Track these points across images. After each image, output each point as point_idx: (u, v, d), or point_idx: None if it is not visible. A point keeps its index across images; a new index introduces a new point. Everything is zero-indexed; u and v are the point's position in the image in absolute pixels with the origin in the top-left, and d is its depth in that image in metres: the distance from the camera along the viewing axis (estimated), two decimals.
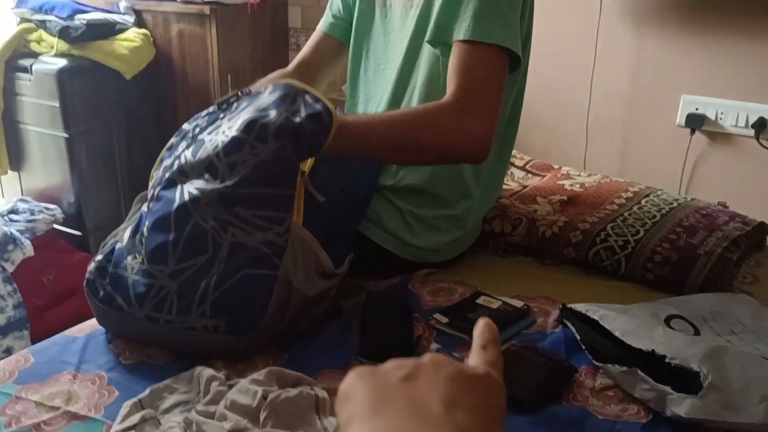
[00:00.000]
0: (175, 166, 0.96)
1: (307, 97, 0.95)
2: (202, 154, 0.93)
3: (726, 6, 1.89)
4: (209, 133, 0.96)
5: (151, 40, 2.34)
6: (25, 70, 2.21)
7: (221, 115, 1.00)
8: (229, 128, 0.94)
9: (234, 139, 0.91)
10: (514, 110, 1.25)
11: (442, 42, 1.08)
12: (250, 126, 0.91)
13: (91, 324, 1.02)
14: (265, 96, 0.97)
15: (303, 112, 0.92)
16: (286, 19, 2.50)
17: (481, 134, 1.01)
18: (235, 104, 1.00)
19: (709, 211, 1.32)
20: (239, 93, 1.02)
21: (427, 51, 1.15)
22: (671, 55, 2.00)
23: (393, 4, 1.23)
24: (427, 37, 1.10)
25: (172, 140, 1.02)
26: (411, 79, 1.19)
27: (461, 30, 1.03)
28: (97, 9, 2.32)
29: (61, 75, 2.14)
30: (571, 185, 1.47)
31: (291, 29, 2.49)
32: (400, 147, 1.02)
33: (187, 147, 0.97)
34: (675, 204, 1.35)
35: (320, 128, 0.93)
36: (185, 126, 1.03)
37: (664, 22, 1.99)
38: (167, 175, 0.96)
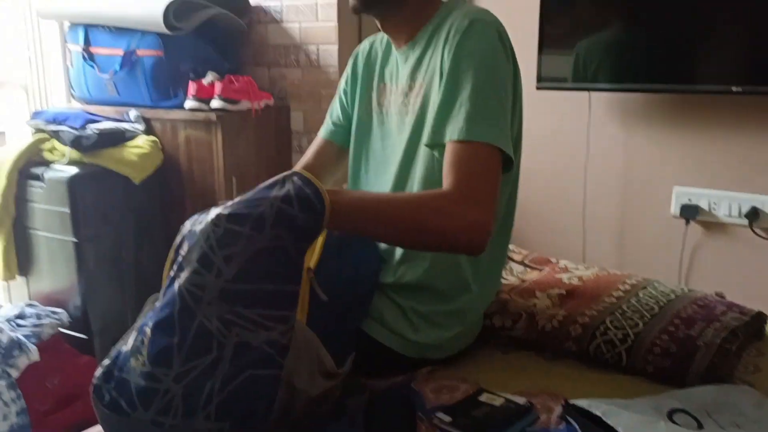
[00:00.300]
0: (176, 264, 0.95)
1: (296, 179, 0.95)
2: (194, 245, 0.92)
3: (710, 103, 1.98)
4: (201, 223, 0.96)
5: (160, 146, 2.43)
6: (37, 178, 2.28)
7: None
8: (219, 211, 0.93)
9: (228, 231, 0.90)
10: (509, 206, 1.29)
11: (438, 144, 1.13)
12: (243, 218, 0.90)
13: (96, 431, 1.01)
14: (256, 189, 0.97)
15: (295, 200, 0.92)
16: (289, 123, 2.60)
17: (480, 223, 1.03)
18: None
19: (706, 302, 1.34)
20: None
21: (423, 152, 1.20)
22: (660, 149, 2.07)
23: (389, 111, 1.30)
24: (425, 140, 1.16)
25: (176, 239, 1.01)
26: (409, 179, 1.24)
27: (455, 131, 1.08)
28: (108, 119, 2.42)
29: (73, 182, 2.21)
30: (569, 279, 1.49)
31: (294, 132, 2.59)
32: (402, 227, 1.03)
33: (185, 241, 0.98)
34: (672, 295, 1.37)
35: (313, 214, 0.93)
36: (186, 223, 1.02)
37: (651, 118, 2.07)
38: (171, 273, 0.96)
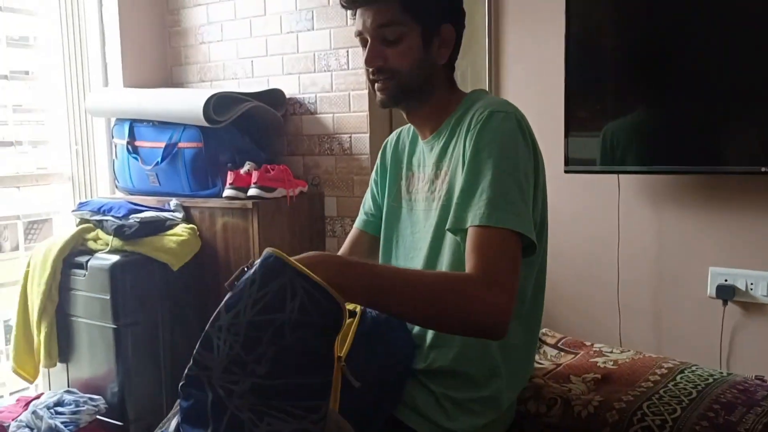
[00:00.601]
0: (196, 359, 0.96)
1: (305, 285, 0.94)
2: (218, 350, 0.93)
3: (740, 183, 1.98)
4: (212, 325, 0.96)
5: (198, 233, 2.50)
6: (80, 266, 2.36)
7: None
8: (232, 318, 0.93)
9: (250, 337, 0.91)
10: (537, 290, 1.29)
11: (460, 229, 1.16)
12: (263, 327, 0.92)
13: None
14: (259, 293, 0.95)
15: (309, 309, 0.92)
16: (323, 208, 2.66)
17: (501, 307, 1.04)
18: (242, 279, 0.99)
19: (746, 386, 1.31)
20: (244, 268, 1.01)
21: (449, 239, 1.23)
22: (693, 229, 2.07)
23: (417, 199, 1.34)
24: (448, 225, 1.18)
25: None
26: (437, 266, 1.26)
27: (476, 217, 1.11)
28: (150, 208, 2.51)
29: (114, 269, 2.28)
30: (605, 363, 1.48)
31: (327, 218, 2.65)
32: (420, 305, 1.04)
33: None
34: (710, 379, 1.34)
35: (331, 314, 0.94)
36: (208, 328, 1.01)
37: (681, 199, 2.08)
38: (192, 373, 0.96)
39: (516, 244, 1.10)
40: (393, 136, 1.48)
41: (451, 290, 1.04)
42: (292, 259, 0.97)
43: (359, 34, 1.27)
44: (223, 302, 0.96)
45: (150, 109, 2.60)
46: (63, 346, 2.43)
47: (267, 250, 0.98)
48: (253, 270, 0.96)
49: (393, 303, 1.03)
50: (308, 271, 0.95)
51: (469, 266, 1.08)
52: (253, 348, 0.91)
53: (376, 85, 1.28)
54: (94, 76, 2.88)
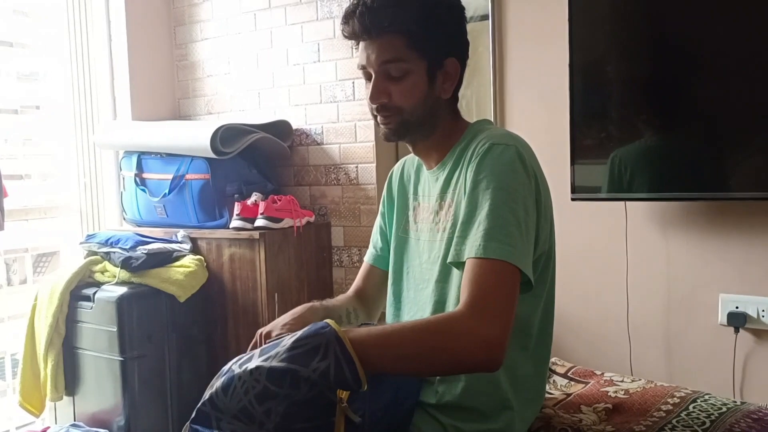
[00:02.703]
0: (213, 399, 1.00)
1: (338, 352, 0.98)
2: (233, 393, 0.97)
3: (749, 210, 1.97)
4: (240, 366, 1.01)
5: (205, 264, 2.50)
6: (88, 298, 2.36)
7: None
8: (260, 363, 0.99)
9: (266, 389, 0.96)
10: (545, 321, 1.28)
11: (459, 262, 1.15)
12: (281, 377, 0.96)
13: None
14: (298, 341, 1.01)
15: (332, 378, 0.97)
16: (330, 238, 2.66)
17: (492, 339, 1.03)
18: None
19: (760, 415, 1.29)
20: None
21: (456, 271, 1.22)
22: (702, 256, 2.05)
23: (422, 228, 1.34)
24: (449, 258, 1.18)
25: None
26: (447, 299, 1.25)
27: (473, 249, 1.10)
28: (157, 239, 2.52)
29: (121, 302, 2.28)
30: (615, 392, 1.46)
31: (334, 248, 2.65)
32: (414, 355, 1.04)
33: (219, 377, 1.03)
34: (724, 408, 1.32)
35: (348, 387, 0.99)
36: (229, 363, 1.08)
37: (690, 225, 2.07)
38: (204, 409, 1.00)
39: (512, 275, 1.09)
40: (397, 166, 1.48)
41: (438, 331, 1.04)
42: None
43: (363, 67, 1.27)
44: (260, 348, 1.03)
45: (158, 142, 2.62)
46: (69, 379, 2.42)
47: (326, 322, 1.03)
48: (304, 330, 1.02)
49: (387, 362, 1.04)
50: (348, 340, 0.99)
51: (461, 300, 1.07)
52: (267, 400, 0.95)
53: (379, 119, 1.28)
54: (103, 109, 2.92)
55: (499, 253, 1.08)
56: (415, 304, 1.33)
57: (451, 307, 1.23)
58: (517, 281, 1.09)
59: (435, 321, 1.09)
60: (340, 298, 1.48)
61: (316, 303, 1.39)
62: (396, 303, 1.39)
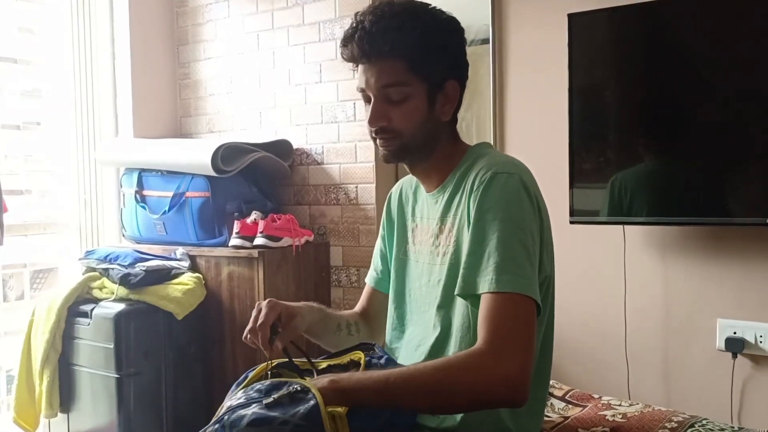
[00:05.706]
0: None
1: (312, 400, 1.01)
2: None
3: (747, 235, 1.98)
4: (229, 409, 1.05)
5: (203, 282, 2.50)
6: (85, 315, 2.35)
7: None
8: (241, 412, 1.02)
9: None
10: (545, 346, 1.27)
11: (469, 294, 1.15)
12: (263, 424, 0.99)
13: None
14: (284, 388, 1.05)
15: (312, 421, 0.99)
16: (328, 258, 2.66)
17: (514, 377, 1.03)
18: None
19: None
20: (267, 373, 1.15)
21: (459, 300, 1.21)
22: (701, 281, 2.06)
23: (421, 250, 1.33)
24: (457, 290, 1.17)
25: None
26: (451, 321, 1.24)
27: (486, 283, 1.10)
28: (156, 257, 2.52)
29: (118, 318, 2.27)
30: (613, 416, 1.45)
31: (333, 267, 2.65)
32: (433, 392, 1.04)
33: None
34: None
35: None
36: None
37: (688, 250, 2.07)
38: None
39: (528, 307, 1.09)
40: (396, 188, 1.48)
41: (459, 369, 1.05)
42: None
43: (362, 90, 1.26)
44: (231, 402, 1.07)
45: (159, 160, 2.63)
46: (64, 396, 2.41)
47: (315, 396, 1.02)
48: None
49: (406, 401, 1.06)
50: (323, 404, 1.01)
51: (479, 337, 1.07)
52: None
53: (378, 141, 1.28)
54: (105, 126, 2.93)
55: (513, 286, 1.08)
56: (418, 325, 1.32)
57: (455, 333, 1.22)
58: (533, 312, 1.09)
59: (455, 358, 1.09)
60: (344, 312, 1.49)
61: (316, 305, 1.40)
62: (400, 326, 1.38)
